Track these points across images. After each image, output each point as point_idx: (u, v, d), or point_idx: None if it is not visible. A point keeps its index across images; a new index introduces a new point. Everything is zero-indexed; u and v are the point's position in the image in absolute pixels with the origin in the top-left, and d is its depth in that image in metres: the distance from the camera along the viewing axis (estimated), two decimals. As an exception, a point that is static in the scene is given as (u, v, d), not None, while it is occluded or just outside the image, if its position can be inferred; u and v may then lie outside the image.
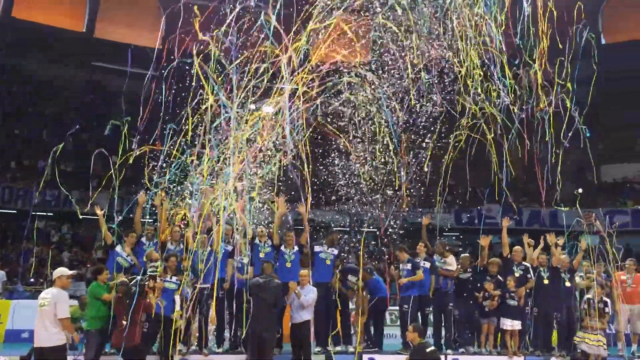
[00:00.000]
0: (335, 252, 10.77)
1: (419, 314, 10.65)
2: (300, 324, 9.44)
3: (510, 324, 10.47)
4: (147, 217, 10.66)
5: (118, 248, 9.83)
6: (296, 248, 10.50)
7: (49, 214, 25.61)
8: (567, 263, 10.93)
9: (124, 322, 8.36)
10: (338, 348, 10.34)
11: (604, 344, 10.10)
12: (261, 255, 10.23)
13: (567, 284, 10.79)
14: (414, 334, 8.66)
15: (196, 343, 9.66)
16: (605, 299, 10.55)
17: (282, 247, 10.46)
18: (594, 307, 10.34)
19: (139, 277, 8.88)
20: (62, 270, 8.12)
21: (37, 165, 26.52)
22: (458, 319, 10.76)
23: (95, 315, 8.79)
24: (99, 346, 8.80)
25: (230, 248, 10.21)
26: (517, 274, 10.80)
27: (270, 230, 10.61)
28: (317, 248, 10.68)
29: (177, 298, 9.14)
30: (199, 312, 9.52)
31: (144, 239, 10.10)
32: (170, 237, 10.22)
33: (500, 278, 10.78)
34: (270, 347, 9.07)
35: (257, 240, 10.40)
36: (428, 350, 8.55)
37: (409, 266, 10.65)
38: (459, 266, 10.94)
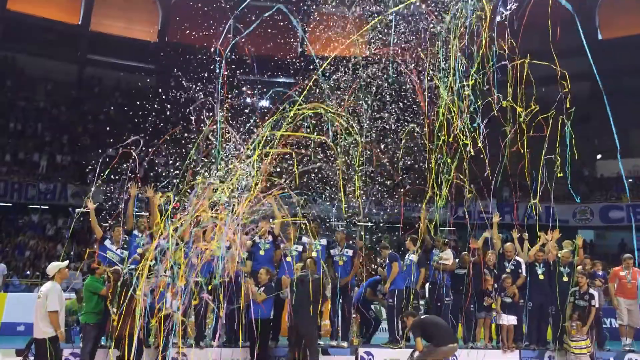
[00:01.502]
0: (299, 248, 10.57)
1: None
2: None
3: (506, 319, 10.54)
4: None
5: (107, 242, 9.81)
6: (298, 248, 10.47)
7: (44, 207, 25.58)
8: (567, 258, 10.97)
9: (114, 310, 8.36)
10: (333, 343, 10.37)
11: (587, 346, 10.11)
12: (261, 252, 10.21)
13: (565, 278, 10.84)
14: (409, 319, 8.97)
15: (193, 336, 9.65)
16: (592, 291, 10.57)
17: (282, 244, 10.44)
18: (579, 298, 10.43)
19: (132, 266, 8.87)
20: (57, 264, 8.18)
21: (33, 158, 26.52)
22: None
23: (91, 309, 8.81)
24: (95, 340, 8.82)
25: (228, 244, 10.20)
26: (508, 270, 10.86)
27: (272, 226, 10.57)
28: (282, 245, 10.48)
29: (169, 295, 9.11)
30: (195, 305, 9.48)
31: (136, 232, 10.08)
32: (161, 231, 10.20)
33: (496, 272, 10.84)
34: (311, 339, 9.07)
35: (256, 238, 10.36)
36: (423, 317, 8.93)
37: (387, 260, 10.72)
38: (457, 260, 10.96)
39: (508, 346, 10.47)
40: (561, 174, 10.32)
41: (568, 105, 10.18)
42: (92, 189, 10.50)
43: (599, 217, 27.04)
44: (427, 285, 11.38)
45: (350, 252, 10.66)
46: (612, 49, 30.94)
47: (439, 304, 10.71)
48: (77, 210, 10.05)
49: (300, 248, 10.53)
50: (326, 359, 9.93)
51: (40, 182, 25.08)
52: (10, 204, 24.95)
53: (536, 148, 10.73)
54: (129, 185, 10.18)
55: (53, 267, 8.18)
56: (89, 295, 8.89)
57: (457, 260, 10.99)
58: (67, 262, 8.58)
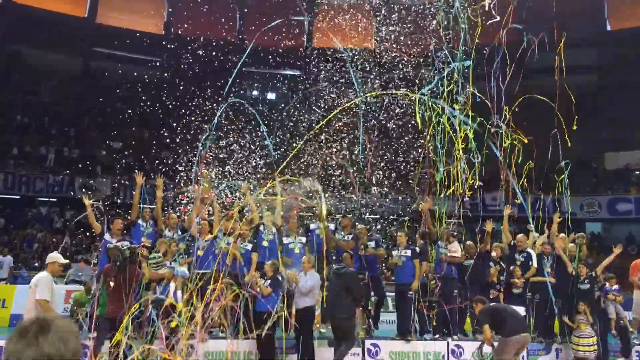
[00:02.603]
0: (303, 239, 10.54)
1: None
2: (301, 310, 9.46)
3: (515, 311, 10.53)
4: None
5: (107, 236, 9.82)
6: (302, 240, 10.46)
7: (52, 199, 25.72)
8: (572, 252, 10.95)
9: (111, 284, 8.40)
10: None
11: (593, 343, 10.05)
12: (264, 243, 10.22)
13: (570, 270, 10.82)
14: (478, 306, 8.68)
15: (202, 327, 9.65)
16: (592, 274, 10.53)
17: (285, 237, 10.42)
18: (580, 283, 10.43)
19: (133, 245, 8.93)
20: (55, 257, 7.99)
21: (40, 152, 26.66)
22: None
23: (105, 301, 8.83)
24: (109, 331, 8.89)
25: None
26: (518, 262, 10.83)
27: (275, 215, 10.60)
28: (285, 240, 10.50)
29: (172, 285, 9.16)
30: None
31: (140, 221, 10.12)
32: (166, 223, 10.30)
33: (503, 264, 10.81)
34: (347, 329, 9.18)
35: (261, 228, 10.37)
36: (492, 304, 8.75)
37: (408, 253, 10.56)
38: (464, 253, 10.93)
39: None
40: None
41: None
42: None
43: (606, 210, 26.90)
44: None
45: (349, 237, 10.64)
46: (621, 40, 30.66)
47: (447, 298, 10.68)
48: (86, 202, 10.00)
49: (304, 239, 10.53)
50: (333, 350, 9.97)
51: (48, 175, 25.21)
52: (19, 197, 25.11)
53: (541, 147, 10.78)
54: (135, 174, 10.25)
55: (49, 257, 8.01)
56: (104, 287, 8.92)
57: (464, 252, 10.96)
58: (66, 261, 8.42)
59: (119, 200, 22.54)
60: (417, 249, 10.55)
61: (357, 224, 11.55)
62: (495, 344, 8.38)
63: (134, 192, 10.25)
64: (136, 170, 10.55)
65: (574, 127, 10.89)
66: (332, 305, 9.17)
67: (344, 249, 10.41)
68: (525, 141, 10.61)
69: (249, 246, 10.10)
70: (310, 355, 9.23)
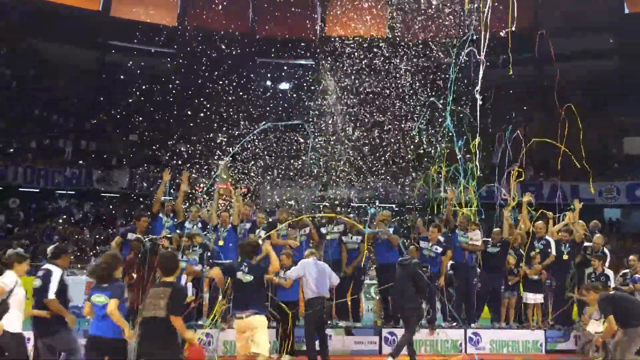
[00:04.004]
0: (307, 230, 10.55)
1: None
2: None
3: (533, 298, 10.49)
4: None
5: (130, 235, 9.73)
6: (306, 230, 10.51)
7: (70, 192, 26.03)
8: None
9: (134, 275, 8.55)
10: (358, 324, 10.42)
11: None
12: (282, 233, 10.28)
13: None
14: (591, 294, 7.88)
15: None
16: (607, 272, 10.35)
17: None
18: (595, 280, 10.21)
19: (154, 237, 9.06)
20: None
21: (57, 145, 26.96)
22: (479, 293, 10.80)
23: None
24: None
25: (249, 226, 10.37)
26: (537, 250, 10.75)
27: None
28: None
29: (184, 277, 9.21)
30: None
31: (161, 214, 10.23)
32: (188, 215, 10.41)
33: (522, 252, 10.76)
34: (412, 318, 9.28)
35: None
36: (612, 292, 8.29)
37: (439, 249, 10.51)
38: (490, 240, 10.88)
39: (534, 325, 10.44)
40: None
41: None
42: None
43: (625, 196, 26.53)
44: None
45: (359, 239, 10.52)
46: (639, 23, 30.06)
47: (467, 285, 10.65)
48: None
49: (307, 230, 10.54)
50: (350, 339, 10.05)
51: (66, 168, 25.48)
52: (38, 190, 25.46)
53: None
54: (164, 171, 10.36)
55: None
56: None
57: (490, 239, 10.92)
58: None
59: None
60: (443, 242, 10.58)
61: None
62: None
63: (158, 186, 10.37)
64: (156, 165, 10.67)
65: (577, 117, 10.84)
66: (399, 295, 9.37)
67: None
68: (522, 177, 10.82)
69: (263, 234, 10.16)
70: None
